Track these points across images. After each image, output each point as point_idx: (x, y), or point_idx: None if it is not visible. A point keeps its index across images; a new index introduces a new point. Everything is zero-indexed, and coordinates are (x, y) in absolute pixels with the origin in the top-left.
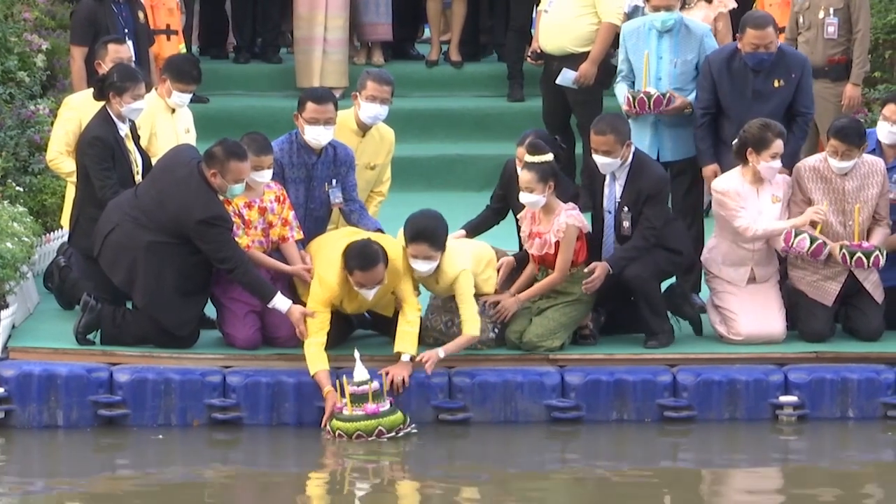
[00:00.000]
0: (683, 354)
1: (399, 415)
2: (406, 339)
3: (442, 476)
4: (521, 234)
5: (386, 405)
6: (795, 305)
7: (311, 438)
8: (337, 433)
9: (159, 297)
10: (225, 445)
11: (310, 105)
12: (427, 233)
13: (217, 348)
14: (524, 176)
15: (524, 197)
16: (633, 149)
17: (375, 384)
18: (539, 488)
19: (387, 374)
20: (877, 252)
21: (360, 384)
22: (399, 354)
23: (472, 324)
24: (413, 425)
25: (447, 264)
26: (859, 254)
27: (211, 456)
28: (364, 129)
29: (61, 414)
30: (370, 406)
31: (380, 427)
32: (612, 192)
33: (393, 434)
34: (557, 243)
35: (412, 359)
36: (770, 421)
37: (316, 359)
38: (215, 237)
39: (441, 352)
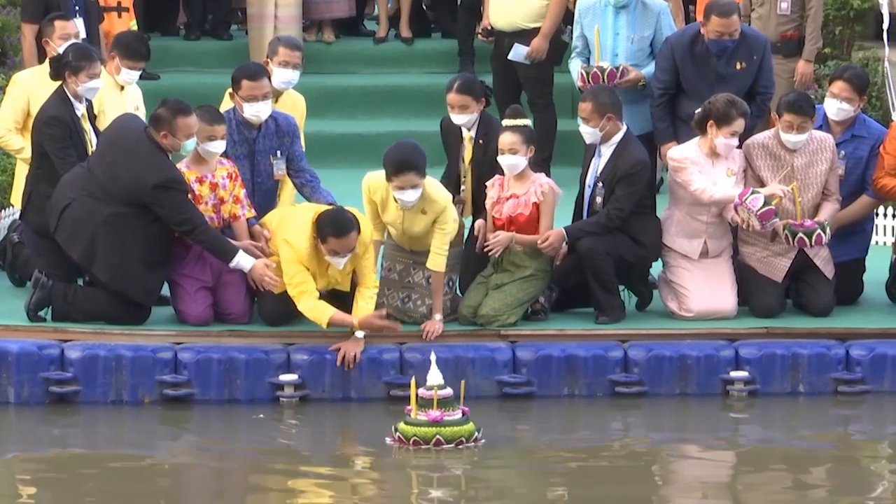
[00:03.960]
0: (634, 330)
1: (466, 427)
2: (361, 315)
3: (390, 451)
4: (487, 202)
5: (456, 414)
6: (746, 281)
7: (262, 414)
8: (397, 436)
9: (123, 270)
10: (177, 422)
11: (245, 83)
12: (412, 162)
13: (169, 325)
14: (508, 138)
15: (506, 159)
16: (623, 127)
17: (448, 391)
18: (490, 464)
19: (338, 349)
20: (818, 231)
21: (429, 388)
22: (352, 330)
23: (440, 259)
24: (482, 440)
25: (433, 193)
26: (800, 233)
27: (163, 432)
28: (276, 95)
29: (12, 391)
30: (433, 413)
31: (438, 436)
32: (595, 167)
33: (452, 446)
34: (536, 205)
35: (365, 336)
36: (721, 396)
37: (321, 309)
38: (171, 201)
39: (438, 316)
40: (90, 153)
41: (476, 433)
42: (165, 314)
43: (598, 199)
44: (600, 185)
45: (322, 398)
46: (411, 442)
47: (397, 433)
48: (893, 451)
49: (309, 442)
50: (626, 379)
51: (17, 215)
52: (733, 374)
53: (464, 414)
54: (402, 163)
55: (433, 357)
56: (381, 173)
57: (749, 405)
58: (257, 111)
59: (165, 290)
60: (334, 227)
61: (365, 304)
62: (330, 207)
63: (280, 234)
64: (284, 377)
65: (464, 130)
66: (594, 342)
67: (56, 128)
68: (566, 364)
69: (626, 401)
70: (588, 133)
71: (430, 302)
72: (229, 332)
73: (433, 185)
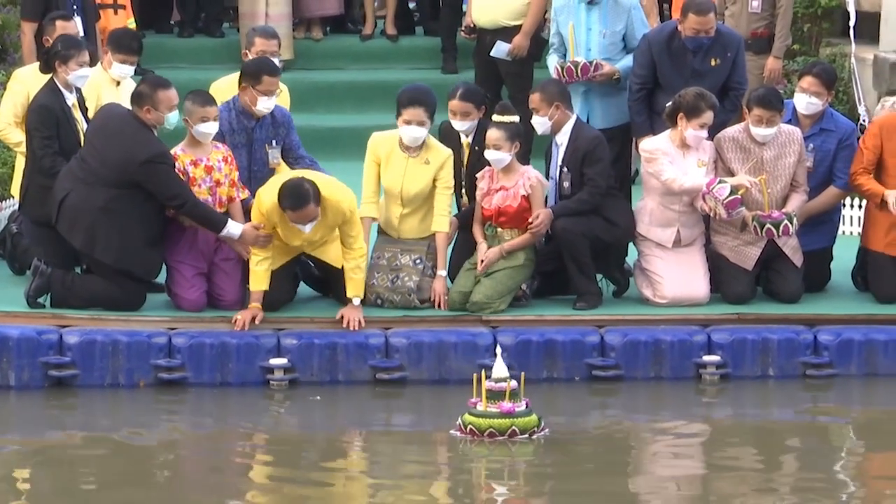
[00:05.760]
0: (611, 315)
1: (534, 417)
2: (353, 284)
3: (381, 432)
4: (477, 193)
5: (522, 405)
6: (718, 269)
7: (253, 398)
8: (469, 428)
9: (125, 251)
10: (171, 404)
11: (266, 78)
12: (424, 99)
13: (163, 310)
14: (493, 134)
15: (491, 154)
16: (573, 116)
17: (514, 383)
18: (472, 446)
19: (341, 316)
20: (785, 221)
21: (498, 381)
22: (349, 299)
23: (445, 220)
24: (546, 429)
25: (436, 143)
26: (768, 224)
27: (158, 414)
28: None
29: (13, 375)
30: (506, 404)
31: (513, 427)
32: (556, 157)
33: (526, 436)
34: (524, 197)
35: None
36: (694, 380)
37: (259, 279)
38: (162, 176)
39: (442, 272)
40: (82, 142)
41: (514, 428)
42: (160, 300)
43: (566, 184)
44: (565, 170)
45: (311, 381)
46: (486, 434)
47: (468, 426)
48: (859, 432)
49: (298, 423)
50: (603, 363)
51: (16, 206)
52: (706, 358)
53: (527, 405)
54: (414, 98)
55: (499, 350)
56: (389, 131)
57: (721, 388)
58: (269, 105)
59: (160, 278)
60: (290, 201)
61: (355, 276)
62: (292, 178)
63: (260, 189)
64: (274, 361)
65: (462, 137)
66: (572, 327)
67: (43, 116)
68: (545, 348)
69: (603, 384)
70: (538, 123)
71: (417, 279)
72: (222, 317)
73: (436, 140)
